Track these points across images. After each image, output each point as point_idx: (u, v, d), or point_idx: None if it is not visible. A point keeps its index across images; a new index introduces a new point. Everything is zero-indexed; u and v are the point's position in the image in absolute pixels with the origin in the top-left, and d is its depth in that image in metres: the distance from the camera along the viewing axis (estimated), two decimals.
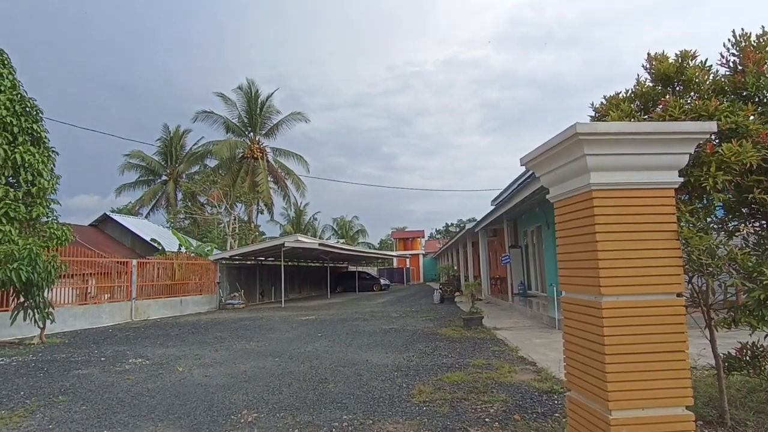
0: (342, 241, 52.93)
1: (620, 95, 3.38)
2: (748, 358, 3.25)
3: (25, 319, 10.37)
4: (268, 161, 34.80)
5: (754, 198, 2.77)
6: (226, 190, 31.40)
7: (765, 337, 3.01)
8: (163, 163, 39.54)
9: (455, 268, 31.52)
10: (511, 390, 5.34)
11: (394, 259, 53.12)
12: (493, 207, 19.11)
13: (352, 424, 4.39)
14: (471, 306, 11.89)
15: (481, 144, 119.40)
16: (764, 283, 2.47)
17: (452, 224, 73.73)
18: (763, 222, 3.15)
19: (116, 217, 31.12)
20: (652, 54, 3.27)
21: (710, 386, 3.76)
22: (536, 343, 8.61)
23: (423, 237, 63.02)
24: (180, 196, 39.18)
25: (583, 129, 2.43)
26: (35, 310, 10.42)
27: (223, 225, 33.00)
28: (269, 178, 34.33)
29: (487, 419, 4.37)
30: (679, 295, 2.57)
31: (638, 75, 3.40)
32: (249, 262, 25.65)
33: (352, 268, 41.49)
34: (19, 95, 11.94)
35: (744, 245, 3.15)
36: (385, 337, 10.36)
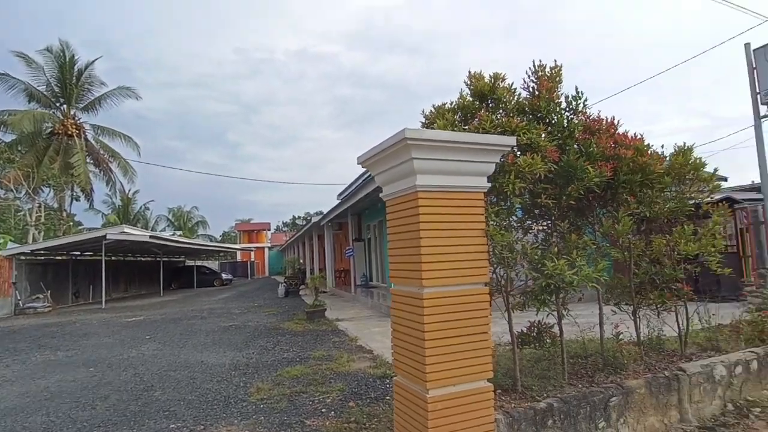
0: (179, 233, 48.46)
1: (446, 105, 3.76)
2: (535, 333, 3.94)
3: None
4: (86, 140, 29.91)
5: (541, 202, 3.37)
6: (27, 171, 26.07)
7: (546, 316, 3.68)
8: None
9: (301, 261, 31.49)
10: (348, 378, 5.57)
11: (238, 253, 50.68)
12: (338, 201, 19.55)
13: None
14: (314, 299, 12.04)
15: (332, 138, 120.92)
16: (545, 272, 3.02)
17: (299, 217, 73.36)
18: (548, 222, 3.85)
19: None
20: (473, 72, 3.72)
21: (509, 359, 4.44)
22: (374, 332, 9.12)
23: (269, 229, 61.51)
24: None
25: (411, 134, 2.64)
26: None
27: (22, 213, 27.42)
28: (88, 160, 29.55)
29: (323, 410, 4.49)
30: (485, 284, 2.99)
31: (461, 90, 3.83)
32: (59, 258, 21.84)
33: (190, 263, 38.35)
34: None
35: (535, 241, 3.80)
36: (224, 335, 9.85)
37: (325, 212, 20.79)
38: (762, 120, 9.34)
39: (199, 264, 37.04)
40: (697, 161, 4.05)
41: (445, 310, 2.81)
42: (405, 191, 2.88)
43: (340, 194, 25.52)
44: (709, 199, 4.38)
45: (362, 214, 20.30)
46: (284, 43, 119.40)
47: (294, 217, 77.95)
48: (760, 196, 9.60)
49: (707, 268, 4.07)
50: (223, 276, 36.52)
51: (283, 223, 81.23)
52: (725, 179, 16.11)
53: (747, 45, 9.61)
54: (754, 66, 9.45)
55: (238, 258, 52.81)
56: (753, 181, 15.14)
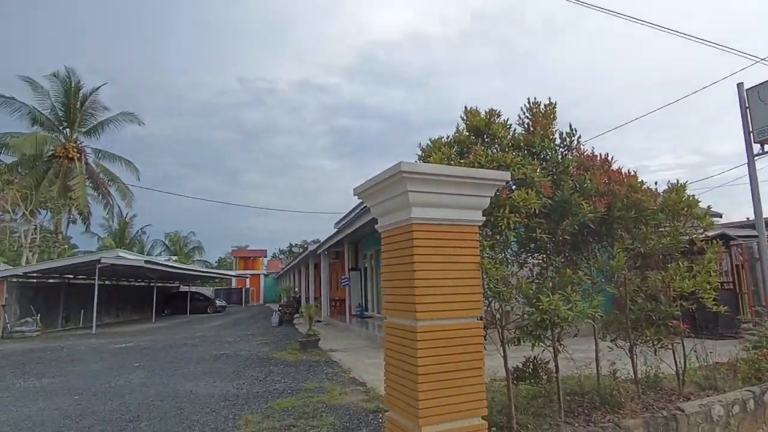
0: (175, 258, 48.17)
1: (443, 139, 3.82)
2: (531, 369, 3.88)
3: None
4: (87, 163, 30.09)
5: (536, 237, 3.38)
6: (25, 192, 26.09)
7: (542, 351, 3.64)
8: None
9: (296, 289, 31.22)
10: (340, 412, 5.43)
11: (233, 279, 50.26)
12: (336, 230, 19.56)
13: None
14: (308, 328, 11.88)
15: (330, 167, 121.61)
16: (540, 307, 3.00)
17: (296, 244, 72.99)
18: (543, 256, 3.85)
19: None
20: (469, 108, 3.80)
21: (504, 396, 4.35)
22: (368, 364, 8.95)
23: (265, 256, 61.06)
24: None
25: (406, 168, 2.67)
26: None
27: (18, 234, 27.27)
28: (87, 183, 29.65)
29: None
30: (479, 318, 2.96)
31: (458, 124, 3.90)
32: (51, 281, 21.59)
33: (184, 288, 37.95)
34: None
35: (530, 275, 3.79)
36: (215, 364, 9.65)
37: (322, 240, 20.74)
38: (756, 158, 9.48)
39: (193, 290, 36.62)
40: (691, 199, 4.09)
41: (438, 344, 2.77)
42: (400, 223, 2.89)
43: (337, 223, 25.53)
44: (703, 235, 4.40)
45: (359, 243, 20.26)
46: (287, 74, 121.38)
47: (291, 244, 77.60)
48: (754, 232, 9.64)
49: (703, 305, 4.05)
50: (217, 303, 36.02)
51: (279, 250, 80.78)
52: (720, 215, 16.23)
53: (740, 85, 9.81)
54: (747, 105, 9.64)
55: (233, 285, 52.29)
56: (748, 218, 15.21)
